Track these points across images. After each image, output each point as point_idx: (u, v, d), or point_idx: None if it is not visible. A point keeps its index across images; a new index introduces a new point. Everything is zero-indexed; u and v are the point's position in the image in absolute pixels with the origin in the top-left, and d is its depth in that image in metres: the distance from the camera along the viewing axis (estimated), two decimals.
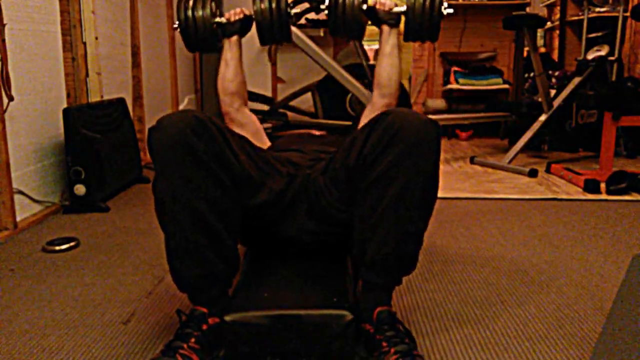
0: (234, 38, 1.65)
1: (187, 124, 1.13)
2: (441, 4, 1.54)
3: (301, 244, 1.38)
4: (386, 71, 1.61)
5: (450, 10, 1.56)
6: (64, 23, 2.59)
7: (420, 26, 1.56)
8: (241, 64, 1.68)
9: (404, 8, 1.57)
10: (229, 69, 1.65)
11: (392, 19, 1.59)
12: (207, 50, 1.71)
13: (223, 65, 1.67)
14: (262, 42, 1.66)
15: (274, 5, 1.57)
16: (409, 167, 1.13)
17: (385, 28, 1.60)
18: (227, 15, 1.64)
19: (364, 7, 1.57)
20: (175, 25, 1.64)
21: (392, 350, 1.10)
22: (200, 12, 1.61)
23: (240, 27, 1.64)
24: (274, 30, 1.61)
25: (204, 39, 1.64)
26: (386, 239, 1.16)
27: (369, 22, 1.65)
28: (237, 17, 1.63)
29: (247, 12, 1.64)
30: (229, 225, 1.20)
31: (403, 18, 1.60)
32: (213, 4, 1.64)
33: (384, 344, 1.12)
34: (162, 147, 1.14)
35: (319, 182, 1.32)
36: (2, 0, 2.05)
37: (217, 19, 1.62)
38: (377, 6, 1.59)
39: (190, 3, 1.62)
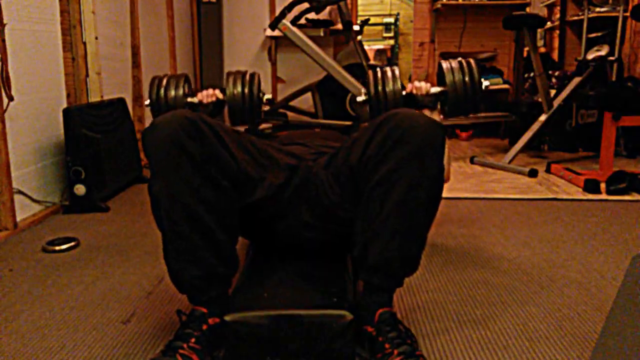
0: None
1: (179, 125, 1.13)
2: (480, 83, 1.53)
3: (302, 239, 1.38)
4: None
5: (487, 83, 1.56)
6: (64, 23, 2.59)
7: (463, 102, 1.55)
8: None
9: (439, 89, 1.57)
10: None
11: (430, 102, 1.57)
12: None
13: None
14: (232, 122, 1.66)
15: (246, 90, 1.58)
16: (414, 169, 1.13)
17: (426, 112, 1.57)
18: (199, 96, 1.63)
19: (403, 93, 1.56)
20: (147, 103, 1.63)
21: (395, 352, 1.10)
22: (172, 92, 1.60)
23: (213, 109, 1.63)
24: (245, 114, 1.61)
25: None
26: (390, 241, 1.16)
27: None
28: (209, 100, 1.62)
29: (220, 96, 1.62)
30: (226, 226, 1.20)
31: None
32: (186, 85, 1.64)
33: (387, 345, 1.12)
34: (155, 149, 1.14)
35: (321, 177, 1.32)
36: (2, 0, 2.05)
37: (190, 99, 1.62)
38: (414, 91, 1.58)
39: (164, 82, 1.62)
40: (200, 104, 1.61)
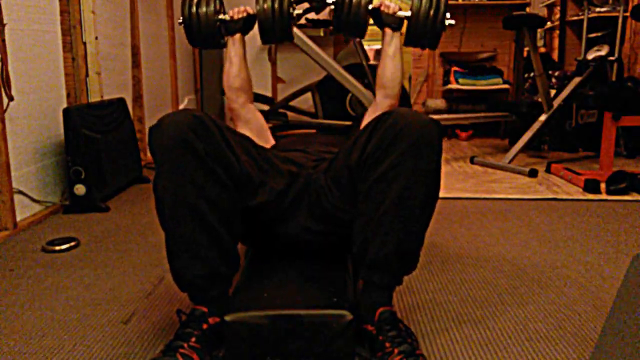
0: (237, 36, 1.68)
1: (187, 124, 1.14)
2: (445, 14, 1.56)
3: (302, 244, 1.38)
4: (389, 73, 1.63)
5: (452, 22, 1.59)
6: (64, 23, 2.59)
7: (422, 33, 1.59)
8: (245, 61, 1.70)
9: (408, 13, 1.60)
10: (233, 65, 1.67)
11: (395, 22, 1.61)
12: (210, 47, 1.74)
13: (227, 62, 1.69)
14: (264, 40, 1.70)
15: (276, 5, 1.61)
16: (411, 167, 1.13)
17: (388, 31, 1.63)
18: (230, 12, 1.67)
19: (370, 7, 1.59)
20: (180, 21, 1.67)
21: (396, 350, 1.10)
22: (204, 9, 1.64)
23: (243, 25, 1.67)
24: (276, 30, 1.64)
25: (207, 36, 1.68)
26: (388, 238, 1.16)
27: (371, 23, 1.67)
28: (240, 16, 1.66)
29: (250, 11, 1.67)
30: (229, 225, 1.20)
31: (405, 22, 1.62)
32: (217, 1, 1.67)
33: (387, 344, 1.12)
34: (162, 147, 1.14)
35: (321, 182, 1.32)
36: (2, 0, 2.05)
37: (221, 16, 1.66)
38: (382, 8, 1.62)
39: (195, 0, 1.64)
40: (232, 20, 1.65)
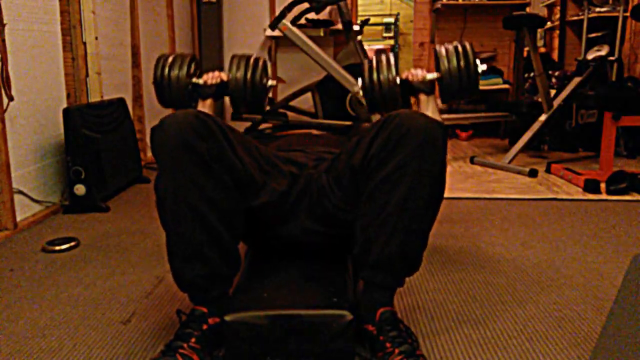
0: (208, 101, 1.65)
1: (189, 124, 1.14)
2: (476, 65, 1.52)
3: (303, 244, 1.38)
4: None
5: (484, 67, 1.55)
6: (64, 23, 2.59)
7: (458, 88, 1.55)
8: None
9: (435, 75, 1.57)
10: None
11: (427, 87, 1.58)
12: (180, 108, 1.71)
13: None
14: (234, 109, 1.66)
15: (249, 75, 1.57)
16: (416, 168, 1.14)
17: (423, 97, 1.59)
18: (204, 77, 1.64)
19: (398, 81, 1.57)
20: (152, 81, 1.65)
21: (396, 351, 1.10)
22: (176, 72, 1.62)
23: (216, 91, 1.63)
24: (247, 101, 1.61)
25: (177, 98, 1.65)
26: (391, 239, 1.16)
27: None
28: (213, 81, 1.63)
29: (224, 78, 1.63)
30: (230, 226, 1.20)
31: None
32: (193, 64, 1.65)
33: (388, 344, 1.12)
34: (164, 147, 1.14)
35: (322, 182, 1.32)
36: (2, 0, 2.05)
37: (194, 80, 1.63)
38: (410, 78, 1.59)
39: (169, 60, 1.63)
40: (205, 85, 1.63)
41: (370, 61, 1.60)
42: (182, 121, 1.14)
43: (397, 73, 1.58)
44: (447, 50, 1.55)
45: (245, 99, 1.60)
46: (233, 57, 1.63)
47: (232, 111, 3.47)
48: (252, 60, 1.62)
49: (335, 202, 1.30)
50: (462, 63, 1.52)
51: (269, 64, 1.63)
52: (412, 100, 1.65)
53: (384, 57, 1.59)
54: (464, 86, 1.55)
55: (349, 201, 1.28)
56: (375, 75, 1.56)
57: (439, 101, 1.69)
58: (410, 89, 1.59)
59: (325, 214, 1.32)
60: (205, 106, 1.65)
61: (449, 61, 1.54)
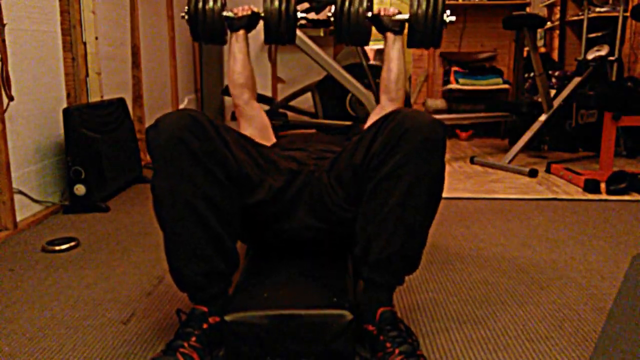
0: (241, 32, 1.70)
1: (183, 123, 1.14)
2: (444, 11, 1.56)
3: (302, 241, 1.38)
4: (394, 76, 1.64)
5: (453, 18, 1.59)
6: (64, 23, 2.59)
7: (423, 33, 1.60)
8: (248, 57, 1.72)
9: (406, 16, 1.60)
10: (237, 62, 1.69)
11: (396, 26, 1.62)
12: (213, 42, 1.75)
13: (231, 59, 1.71)
14: (267, 40, 1.71)
15: (283, 7, 1.62)
16: (416, 167, 1.14)
17: (390, 35, 1.63)
18: (235, 10, 1.69)
19: (369, 14, 1.60)
20: (183, 14, 1.68)
21: (397, 350, 1.10)
22: (210, 5, 1.66)
23: (247, 22, 1.68)
24: (280, 31, 1.66)
25: (211, 30, 1.70)
26: (392, 237, 1.16)
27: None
28: (244, 13, 1.68)
29: (255, 10, 1.69)
30: (227, 224, 1.20)
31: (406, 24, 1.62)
32: None
33: (388, 344, 1.12)
34: (159, 146, 1.15)
35: (324, 181, 1.32)
36: (2, 0, 2.05)
37: (225, 13, 1.67)
38: (381, 14, 1.63)
39: None
40: (236, 17, 1.67)
41: None
42: (176, 120, 1.15)
43: (370, 8, 1.61)
44: None
45: (279, 29, 1.65)
46: None
47: (233, 110, 3.48)
48: None
49: (336, 201, 1.30)
50: (430, 10, 1.56)
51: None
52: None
53: None
54: (429, 32, 1.58)
55: (350, 200, 1.28)
56: (346, 6, 1.59)
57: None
58: (380, 25, 1.63)
59: (326, 212, 1.32)
60: (238, 38, 1.69)
61: (418, 5, 1.57)
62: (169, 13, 4.12)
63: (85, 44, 2.73)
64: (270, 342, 1.14)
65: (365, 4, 1.59)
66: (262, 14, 1.66)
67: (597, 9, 4.24)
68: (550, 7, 5.28)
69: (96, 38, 2.80)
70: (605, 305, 1.45)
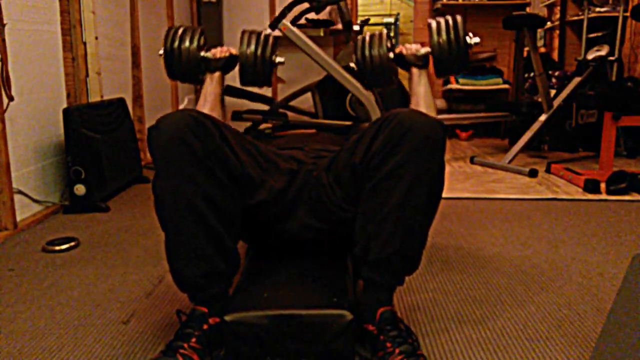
0: (217, 74, 1.64)
1: (185, 123, 1.14)
2: (465, 35, 1.53)
3: (302, 241, 1.38)
4: (424, 111, 1.60)
5: (477, 40, 1.55)
6: (64, 23, 2.59)
7: (448, 61, 1.56)
8: (219, 101, 1.65)
9: (429, 49, 1.58)
10: (207, 104, 1.61)
11: (420, 60, 1.59)
12: (187, 81, 1.71)
13: (202, 99, 1.64)
14: (243, 82, 1.66)
15: (259, 51, 1.59)
16: (416, 167, 1.14)
17: (415, 71, 1.60)
18: (213, 50, 1.65)
19: (391, 55, 1.58)
20: (160, 53, 1.64)
21: (397, 350, 1.10)
22: (187, 44, 1.62)
23: (225, 64, 1.64)
24: (257, 74, 1.62)
25: (187, 70, 1.65)
26: (392, 237, 1.16)
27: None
28: (222, 55, 1.63)
29: (233, 52, 1.64)
30: (228, 224, 1.20)
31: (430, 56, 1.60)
32: (202, 38, 1.65)
33: (388, 344, 1.12)
34: (160, 146, 1.15)
35: (322, 180, 1.32)
36: (2, 0, 2.05)
37: (203, 53, 1.63)
38: (404, 52, 1.60)
39: (179, 32, 1.63)
40: (214, 59, 1.63)
41: (364, 37, 1.61)
42: (178, 120, 1.15)
43: (392, 49, 1.59)
44: (438, 23, 1.57)
45: (255, 73, 1.62)
46: (244, 32, 1.64)
47: (233, 110, 3.48)
48: (262, 36, 1.63)
49: (336, 200, 1.30)
50: (451, 36, 1.54)
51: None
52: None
53: (376, 34, 1.60)
54: (454, 59, 1.56)
55: (349, 200, 1.28)
56: (367, 51, 1.57)
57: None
58: (404, 62, 1.61)
59: (325, 212, 1.32)
60: (213, 80, 1.65)
61: (438, 35, 1.55)
62: (169, 13, 4.12)
63: (85, 44, 2.73)
64: (270, 342, 1.14)
65: (385, 45, 1.56)
66: (239, 57, 1.62)
67: (597, 9, 4.24)
68: (550, 7, 5.28)
69: (96, 38, 2.80)
70: (605, 305, 1.45)
